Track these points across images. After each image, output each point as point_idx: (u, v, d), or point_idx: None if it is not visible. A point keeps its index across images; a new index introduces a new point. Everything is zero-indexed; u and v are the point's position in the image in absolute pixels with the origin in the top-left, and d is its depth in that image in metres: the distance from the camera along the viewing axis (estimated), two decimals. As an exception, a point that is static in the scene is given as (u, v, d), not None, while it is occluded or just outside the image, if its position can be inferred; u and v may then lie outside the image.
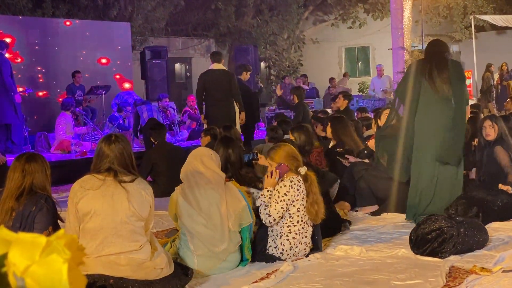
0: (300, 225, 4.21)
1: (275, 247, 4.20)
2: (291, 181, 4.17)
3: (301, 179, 4.24)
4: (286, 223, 4.19)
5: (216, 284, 3.83)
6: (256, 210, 4.33)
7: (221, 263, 4.03)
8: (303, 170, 4.25)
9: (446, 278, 3.71)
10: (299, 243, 4.23)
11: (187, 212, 4.01)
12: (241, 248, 4.15)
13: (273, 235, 4.23)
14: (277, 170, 4.19)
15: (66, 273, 0.88)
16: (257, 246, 4.25)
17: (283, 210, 4.13)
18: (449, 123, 5.18)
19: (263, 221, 4.17)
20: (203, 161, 4.10)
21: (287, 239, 4.19)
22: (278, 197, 4.14)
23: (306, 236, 4.27)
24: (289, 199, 4.14)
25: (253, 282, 3.80)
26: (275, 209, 4.12)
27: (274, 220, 4.14)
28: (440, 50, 5.33)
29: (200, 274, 3.95)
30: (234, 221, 4.05)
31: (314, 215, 4.22)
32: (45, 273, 0.88)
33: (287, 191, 4.14)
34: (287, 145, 4.44)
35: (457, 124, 5.21)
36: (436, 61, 5.25)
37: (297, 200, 4.17)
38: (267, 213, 4.13)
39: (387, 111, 6.03)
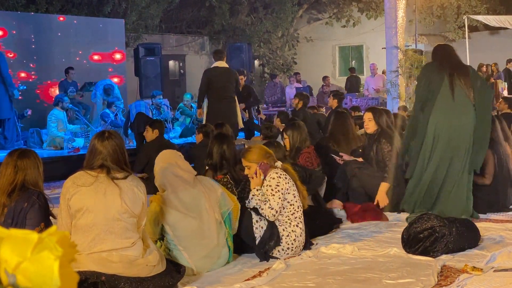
0: (301, 210, 4.40)
1: (287, 236, 4.28)
2: (276, 173, 4.34)
3: (281, 170, 4.43)
4: (290, 211, 4.33)
5: (208, 282, 3.83)
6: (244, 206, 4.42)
7: (215, 260, 4.05)
8: (279, 163, 4.46)
9: (437, 277, 3.72)
10: (303, 230, 4.38)
11: (175, 218, 4.00)
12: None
13: (282, 224, 4.31)
14: (260, 170, 4.36)
15: (58, 270, 0.88)
16: (247, 236, 4.31)
17: (281, 200, 4.27)
18: (467, 128, 5.10)
19: (267, 216, 4.25)
20: (178, 164, 4.14)
21: (297, 224, 4.33)
22: (272, 189, 4.28)
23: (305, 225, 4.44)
24: (282, 188, 4.29)
25: (245, 280, 3.80)
26: (275, 201, 4.25)
27: (277, 212, 4.26)
28: (455, 55, 5.30)
29: (198, 275, 3.96)
30: (218, 210, 4.14)
31: (303, 198, 4.44)
32: (36, 270, 0.88)
33: (278, 182, 4.30)
34: (257, 145, 4.73)
35: (478, 130, 5.11)
36: (457, 67, 5.18)
37: (290, 187, 4.34)
38: (269, 207, 4.24)
39: (368, 114, 5.94)
